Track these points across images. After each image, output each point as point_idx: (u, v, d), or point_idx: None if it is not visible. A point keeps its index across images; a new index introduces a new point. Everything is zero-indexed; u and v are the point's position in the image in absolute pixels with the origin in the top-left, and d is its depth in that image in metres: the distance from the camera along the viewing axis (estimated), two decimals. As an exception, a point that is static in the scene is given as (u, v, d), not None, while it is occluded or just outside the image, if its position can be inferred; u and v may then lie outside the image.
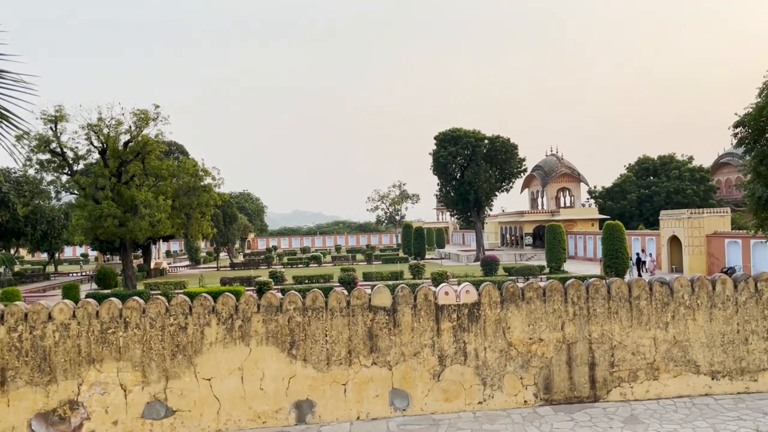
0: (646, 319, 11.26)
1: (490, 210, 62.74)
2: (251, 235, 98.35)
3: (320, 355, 10.83)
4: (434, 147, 58.51)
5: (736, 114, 28.88)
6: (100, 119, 34.01)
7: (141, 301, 10.72)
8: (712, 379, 11.30)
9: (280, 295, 11.09)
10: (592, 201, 68.20)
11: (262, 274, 42.06)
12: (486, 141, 57.63)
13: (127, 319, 10.56)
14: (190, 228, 39.27)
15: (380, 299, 11.00)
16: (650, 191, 65.16)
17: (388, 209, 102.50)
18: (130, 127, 34.92)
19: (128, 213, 34.35)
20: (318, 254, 67.46)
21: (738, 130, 28.76)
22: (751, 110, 28.13)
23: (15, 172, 46.28)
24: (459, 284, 17.50)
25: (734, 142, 29.62)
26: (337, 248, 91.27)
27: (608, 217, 58.84)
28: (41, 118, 33.44)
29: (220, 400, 10.57)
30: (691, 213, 40.88)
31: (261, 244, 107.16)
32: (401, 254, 68.88)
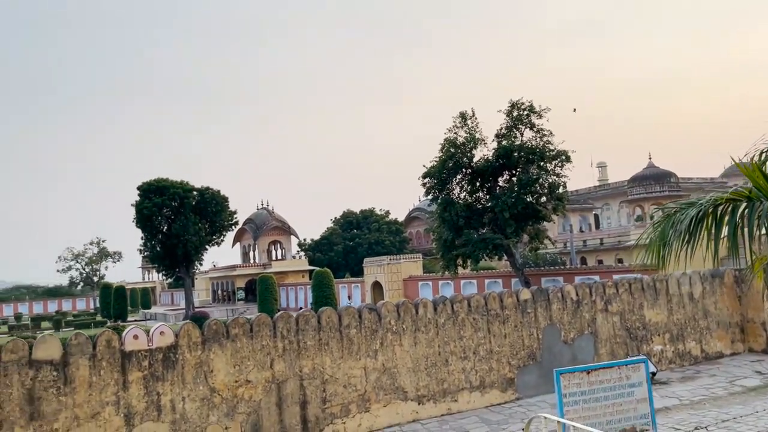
0: (356, 348, 10.89)
1: (201, 265, 59.95)
2: None
3: (-47, 433, 8.05)
4: (137, 198, 54.18)
5: (424, 166, 32.16)
6: None
7: None
8: (419, 404, 11.34)
9: None
10: (302, 253, 69.91)
11: None
12: (195, 192, 55.31)
13: None
14: None
15: (45, 350, 8.71)
16: (354, 243, 69.27)
17: (84, 269, 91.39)
18: None
19: None
20: (-10, 324, 56.40)
21: (426, 180, 31.99)
22: (435, 163, 31.58)
23: None
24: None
25: (423, 192, 32.89)
26: (18, 317, 77.82)
27: (317, 268, 60.74)
28: None
29: None
30: (390, 259, 44.20)
31: None
32: (99, 318, 61.40)
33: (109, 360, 9.05)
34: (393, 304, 11.49)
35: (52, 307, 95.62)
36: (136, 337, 9.29)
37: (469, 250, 30.61)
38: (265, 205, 68.66)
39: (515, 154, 30.10)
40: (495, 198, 30.31)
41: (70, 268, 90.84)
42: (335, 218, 75.82)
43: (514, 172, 31.30)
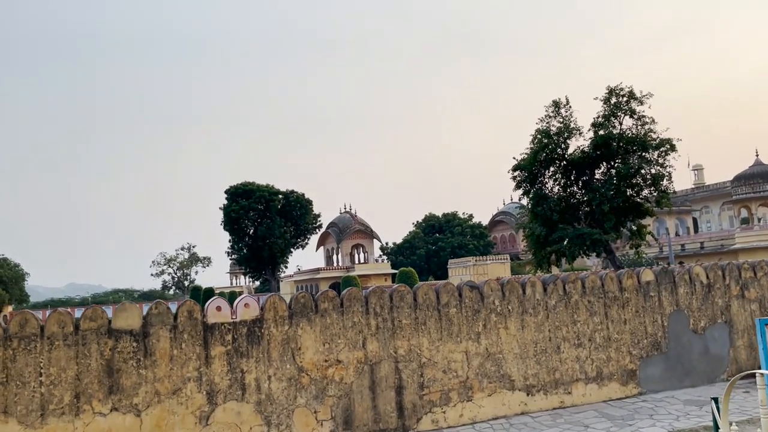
0: (456, 329, 9.74)
1: (286, 267, 60.60)
2: (9, 309, 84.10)
3: (30, 403, 7.53)
4: (225, 201, 55.35)
5: (514, 158, 30.49)
6: None
7: None
8: (528, 394, 10.03)
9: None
10: (385, 257, 69.29)
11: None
12: (280, 196, 56.01)
13: None
14: None
15: (125, 319, 8.10)
16: (437, 247, 67.93)
17: (175, 274, 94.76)
18: None
19: None
20: (90, 323, 59.03)
21: (516, 173, 30.32)
22: (526, 155, 29.87)
23: None
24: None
25: (513, 186, 31.19)
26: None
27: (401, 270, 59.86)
28: None
29: None
30: (476, 260, 42.70)
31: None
32: (189, 319, 63.10)
33: (190, 332, 8.35)
34: (497, 282, 10.27)
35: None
36: (219, 309, 8.56)
37: (564, 246, 28.74)
38: (348, 209, 68.57)
39: (614, 143, 28.00)
40: (592, 191, 28.29)
41: (162, 272, 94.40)
42: (417, 222, 74.72)
43: (612, 163, 29.15)
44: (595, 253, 30.11)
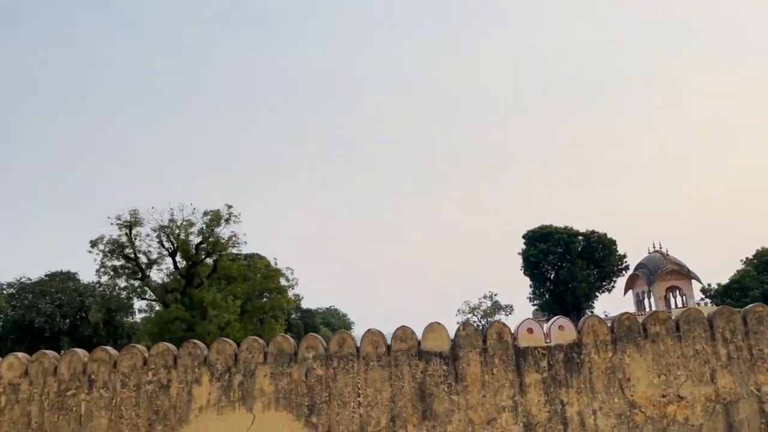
0: None
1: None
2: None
3: (351, 424, 7.56)
4: (523, 246, 54.95)
5: None
6: (171, 220, 33.48)
7: (112, 351, 8.05)
8: None
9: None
10: (708, 300, 60.89)
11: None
12: (580, 237, 53.58)
13: (93, 377, 7.85)
14: (263, 333, 36.98)
15: (434, 341, 7.76)
16: (776, 286, 57.34)
17: (479, 322, 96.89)
18: (201, 228, 34.14)
19: (196, 317, 32.64)
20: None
21: None
22: None
23: (99, 286, 46.28)
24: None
25: None
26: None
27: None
28: (115, 224, 33.26)
29: (208, 489, 7.42)
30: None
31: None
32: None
33: (501, 357, 7.64)
34: None
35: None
36: (530, 331, 7.71)
37: None
38: (657, 248, 62.37)
39: None
40: None
41: (468, 321, 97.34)
42: (747, 258, 64.33)
43: None
44: None
